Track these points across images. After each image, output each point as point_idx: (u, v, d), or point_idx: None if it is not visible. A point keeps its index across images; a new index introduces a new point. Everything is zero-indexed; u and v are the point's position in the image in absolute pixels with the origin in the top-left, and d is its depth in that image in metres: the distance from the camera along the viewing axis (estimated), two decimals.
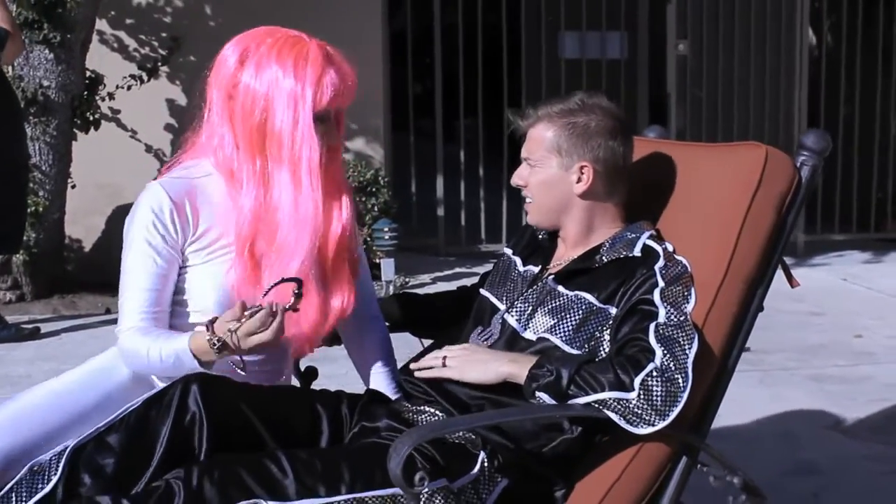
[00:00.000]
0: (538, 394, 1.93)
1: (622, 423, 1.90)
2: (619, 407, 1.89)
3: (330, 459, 1.87)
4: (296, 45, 2.15)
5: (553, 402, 1.93)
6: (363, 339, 2.43)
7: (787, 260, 7.23)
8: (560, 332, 2.07)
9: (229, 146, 2.17)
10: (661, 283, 2.02)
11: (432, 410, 2.10)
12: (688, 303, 2.03)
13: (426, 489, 1.78)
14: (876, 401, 4.17)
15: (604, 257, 2.13)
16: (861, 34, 7.94)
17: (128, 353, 2.13)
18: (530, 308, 2.14)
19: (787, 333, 5.34)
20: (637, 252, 2.10)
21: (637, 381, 1.89)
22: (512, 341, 2.12)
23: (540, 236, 2.34)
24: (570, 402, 1.91)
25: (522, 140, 2.28)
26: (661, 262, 2.06)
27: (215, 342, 1.98)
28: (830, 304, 6.06)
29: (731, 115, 7.80)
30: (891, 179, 8.17)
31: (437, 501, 1.86)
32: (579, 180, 2.17)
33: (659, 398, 1.89)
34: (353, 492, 1.81)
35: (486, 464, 1.96)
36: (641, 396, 1.88)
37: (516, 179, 2.26)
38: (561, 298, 2.10)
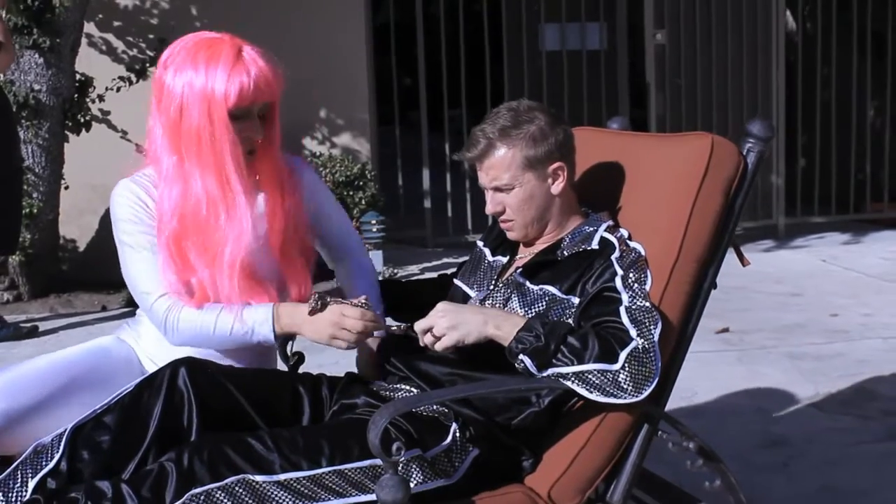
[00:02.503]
0: (521, 357, 2.03)
1: (591, 395, 2.01)
2: (601, 378, 2.00)
3: (311, 435, 2.00)
4: (211, 47, 2.24)
5: (533, 366, 2.02)
6: (348, 269, 2.59)
7: (769, 242, 7.38)
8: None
9: (160, 144, 2.30)
10: (620, 272, 2.15)
11: (407, 388, 2.24)
12: (645, 285, 2.16)
13: (402, 458, 1.90)
14: (847, 376, 4.32)
15: (565, 251, 2.26)
16: (836, 19, 8.06)
17: (185, 328, 2.24)
18: (500, 302, 2.27)
19: (766, 314, 5.49)
20: (595, 245, 2.23)
21: (623, 355, 2.01)
22: None
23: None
24: (548, 371, 2.01)
25: (473, 171, 2.34)
26: (616, 253, 2.18)
27: (316, 303, 2.18)
28: (809, 284, 6.21)
29: (709, 101, 7.93)
30: (869, 161, 8.29)
31: (413, 468, 2.00)
32: (555, 181, 2.28)
33: (639, 374, 2.01)
34: (333, 464, 1.94)
35: (457, 434, 2.09)
36: (626, 369, 2.00)
37: (495, 208, 2.30)
38: (528, 294, 2.23)
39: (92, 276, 6.28)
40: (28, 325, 5.44)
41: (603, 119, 2.64)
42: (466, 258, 2.57)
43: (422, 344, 2.13)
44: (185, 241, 2.27)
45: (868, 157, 8.30)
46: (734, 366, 4.55)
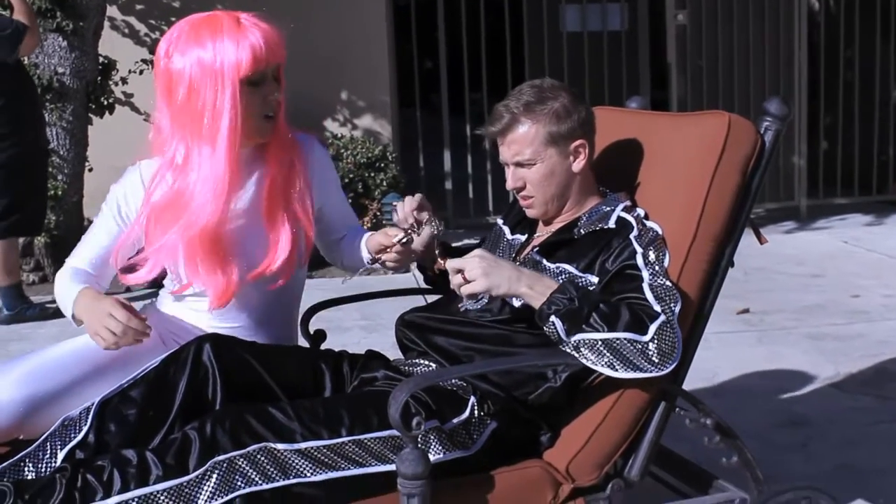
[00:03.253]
0: (553, 318, 2.04)
1: (614, 371, 2.02)
2: (630, 348, 2.01)
3: (331, 406, 2.04)
4: (210, 23, 2.25)
5: (563, 330, 2.02)
6: (340, 248, 2.60)
7: (790, 224, 7.35)
8: None
9: (168, 134, 2.32)
10: (640, 249, 2.17)
11: (425, 363, 2.27)
12: (664, 264, 2.18)
13: (422, 431, 1.93)
14: (867, 356, 4.32)
15: (581, 230, 2.27)
16: None
17: (56, 285, 2.42)
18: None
19: (787, 295, 5.49)
20: (612, 224, 2.24)
21: (652, 327, 2.03)
22: (502, 306, 2.27)
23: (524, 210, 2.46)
24: (576, 336, 2.01)
25: (495, 148, 2.34)
26: (635, 232, 2.20)
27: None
28: (830, 266, 6.19)
29: (731, 82, 7.89)
30: (892, 142, 8.24)
31: (432, 439, 2.03)
32: (576, 158, 2.29)
33: (666, 348, 2.03)
34: (352, 434, 1.98)
35: (475, 408, 2.12)
36: (654, 341, 2.02)
37: (515, 183, 2.31)
38: (545, 272, 2.23)
39: None
40: (54, 305, 5.51)
41: (624, 101, 2.64)
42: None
43: (452, 285, 2.12)
44: (161, 214, 2.33)
45: (891, 138, 8.25)
46: (755, 346, 4.56)
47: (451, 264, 2.11)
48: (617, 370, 2.03)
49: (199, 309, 2.41)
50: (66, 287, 2.36)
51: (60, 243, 6.19)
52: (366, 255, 2.42)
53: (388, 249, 2.32)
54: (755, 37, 7.94)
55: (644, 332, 2.02)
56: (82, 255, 2.44)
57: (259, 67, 2.25)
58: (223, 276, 2.30)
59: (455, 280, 2.09)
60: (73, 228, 6.35)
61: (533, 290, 2.07)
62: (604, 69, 7.88)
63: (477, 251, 2.11)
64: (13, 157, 5.18)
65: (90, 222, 7.10)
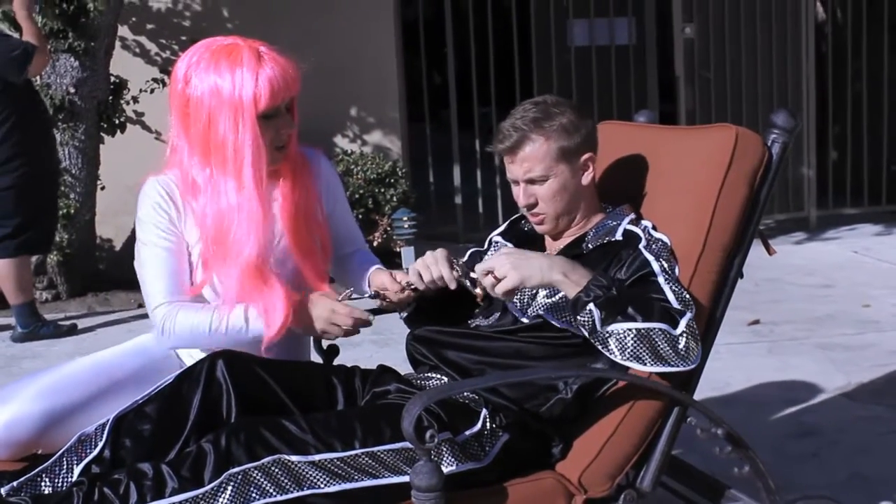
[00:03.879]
0: (590, 306, 2.05)
1: (632, 362, 2.05)
2: (663, 338, 2.04)
3: (344, 419, 2.07)
4: (231, 53, 2.28)
5: (599, 319, 2.04)
6: (344, 266, 2.63)
7: (800, 234, 7.35)
8: (556, 312, 2.24)
9: (186, 156, 2.35)
10: (652, 258, 2.20)
11: (437, 377, 2.29)
12: (675, 272, 2.21)
13: (435, 444, 1.94)
14: (879, 366, 4.32)
15: (589, 244, 2.30)
16: (867, 8, 8.02)
17: (180, 331, 2.30)
18: (529, 293, 2.31)
19: (797, 305, 5.50)
20: (619, 237, 2.27)
21: (683, 322, 2.07)
22: (514, 321, 2.30)
23: (526, 228, 2.49)
24: (611, 325, 2.04)
25: (502, 164, 2.35)
26: (643, 242, 2.23)
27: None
28: (841, 276, 6.19)
29: (739, 94, 7.91)
30: None
31: (444, 451, 2.05)
32: (585, 172, 2.32)
33: (692, 343, 2.08)
34: (365, 446, 2.00)
35: (487, 420, 2.14)
36: (685, 335, 2.06)
37: (528, 200, 2.31)
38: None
39: (128, 274, 6.21)
40: (67, 322, 5.55)
41: (632, 114, 2.67)
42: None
43: (477, 290, 2.15)
44: (208, 248, 2.33)
45: None
46: (766, 357, 4.57)
47: (479, 268, 2.13)
48: (645, 363, 2.06)
49: None
50: (216, 313, 2.31)
51: (73, 261, 6.25)
52: (367, 289, 2.47)
53: (389, 292, 2.38)
54: (763, 49, 7.96)
55: (676, 326, 2.06)
56: (167, 290, 2.35)
57: (275, 103, 2.28)
58: (279, 312, 2.31)
59: (487, 282, 2.11)
60: (86, 246, 6.41)
61: (568, 277, 2.08)
62: (612, 83, 7.91)
63: (503, 249, 2.13)
64: (22, 176, 5.23)
65: (102, 240, 7.17)
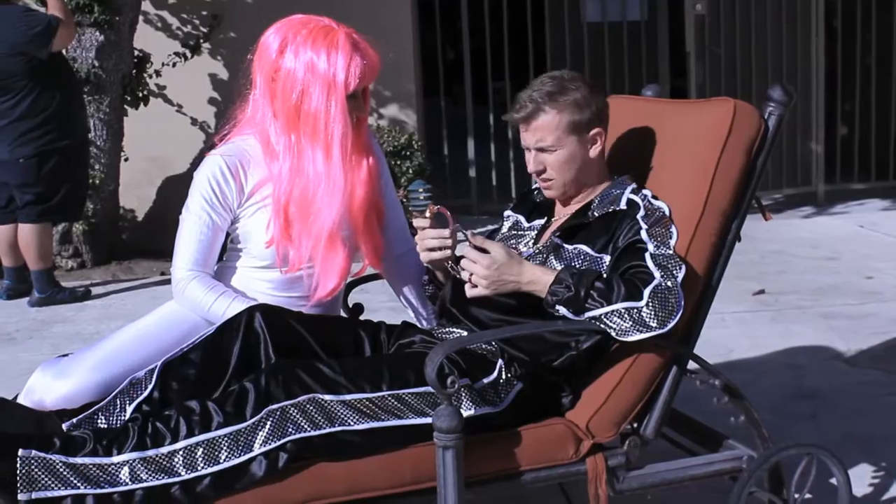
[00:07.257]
0: (558, 307, 2.26)
1: (620, 336, 2.23)
2: (628, 315, 2.22)
3: (373, 364, 2.26)
4: (328, 35, 2.47)
5: (570, 314, 2.24)
6: (399, 269, 2.79)
7: (808, 209, 7.43)
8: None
9: (269, 121, 2.54)
10: (645, 226, 2.37)
11: (459, 331, 2.47)
12: (670, 239, 2.37)
13: (455, 389, 2.12)
14: (878, 334, 4.47)
15: (595, 212, 2.47)
16: None
17: (188, 299, 2.53)
18: (541, 258, 2.47)
19: (802, 276, 5.64)
20: (622, 206, 2.44)
21: (646, 292, 2.23)
22: None
23: (538, 200, 2.66)
24: (584, 315, 2.23)
25: (517, 134, 2.51)
26: (641, 212, 2.40)
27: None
28: (846, 249, 6.32)
29: (749, 70, 7.99)
30: None
31: (463, 397, 2.23)
32: (593, 145, 2.48)
33: (663, 309, 2.23)
34: (392, 389, 2.19)
35: (503, 370, 2.32)
36: (650, 305, 2.22)
37: (536, 167, 2.49)
38: (565, 254, 2.44)
39: (150, 243, 6.54)
40: (82, 288, 5.72)
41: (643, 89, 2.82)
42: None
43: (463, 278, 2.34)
44: (290, 207, 2.51)
45: None
46: (769, 325, 4.71)
47: (464, 262, 2.32)
48: (629, 335, 2.23)
49: (262, 278, 2.60)
50: (220, 299, 2.51)
51: (97, 231, 6.41)
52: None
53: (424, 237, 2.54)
54: (773, 24, 8.03)
55: (639, 298, 2.22)
56: (193, 260, 2.55)
57: (360, 86, 2.49)
58: (338, 275, 2.54)
59: (464, 276, 2.32)
60: (110, 216, 6.57)
61: (535, 285, 2.28)
62: (624, 58, 8.01)
63: (495, 253, 2.29)
64: (45, 145, 5.37)
65: (125, 210, 7.30)
